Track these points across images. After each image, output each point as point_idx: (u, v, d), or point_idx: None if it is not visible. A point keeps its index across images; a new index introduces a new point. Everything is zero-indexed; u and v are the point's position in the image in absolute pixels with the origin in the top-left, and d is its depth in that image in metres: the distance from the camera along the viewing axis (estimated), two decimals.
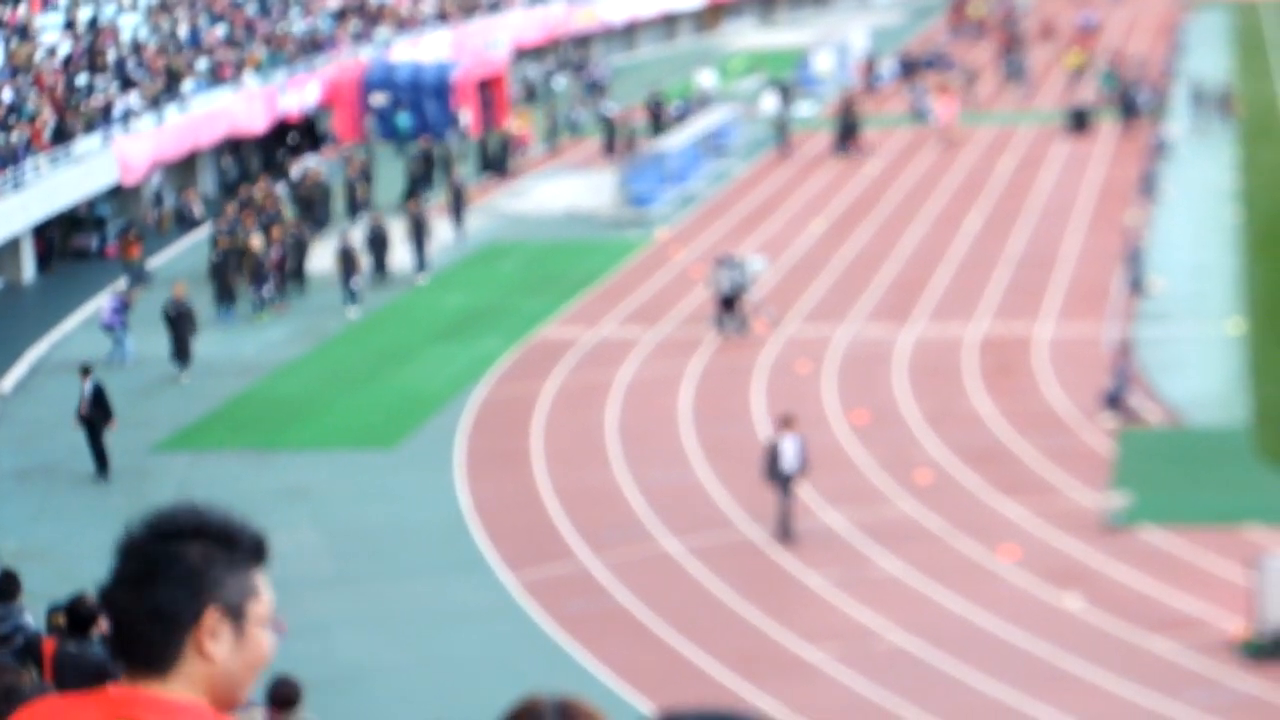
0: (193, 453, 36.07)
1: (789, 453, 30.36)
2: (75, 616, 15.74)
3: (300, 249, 48.03)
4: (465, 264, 51.10)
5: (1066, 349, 40.75)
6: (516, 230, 55.01)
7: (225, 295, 45.08)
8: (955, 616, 27.49)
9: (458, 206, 53.34)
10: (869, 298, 45.88)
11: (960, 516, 31.23)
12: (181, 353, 40.42)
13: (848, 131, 64.71)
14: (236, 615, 3.77)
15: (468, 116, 66.85)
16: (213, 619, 3.74)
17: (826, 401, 37.83)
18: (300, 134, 65.01)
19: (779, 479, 30.41)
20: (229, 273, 45.23)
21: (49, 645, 15.30)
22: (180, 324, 40.51)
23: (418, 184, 56.95)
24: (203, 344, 41.92)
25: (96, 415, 34.31)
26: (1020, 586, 28.46)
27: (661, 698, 24.89)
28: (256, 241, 45.50)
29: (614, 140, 65.20)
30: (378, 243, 48.31)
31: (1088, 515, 31.10)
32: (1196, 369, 38.84)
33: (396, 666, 26.65)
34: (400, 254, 49.39)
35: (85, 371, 34.79)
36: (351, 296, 45.45)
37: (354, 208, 54.55)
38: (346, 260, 45.54)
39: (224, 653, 3.75)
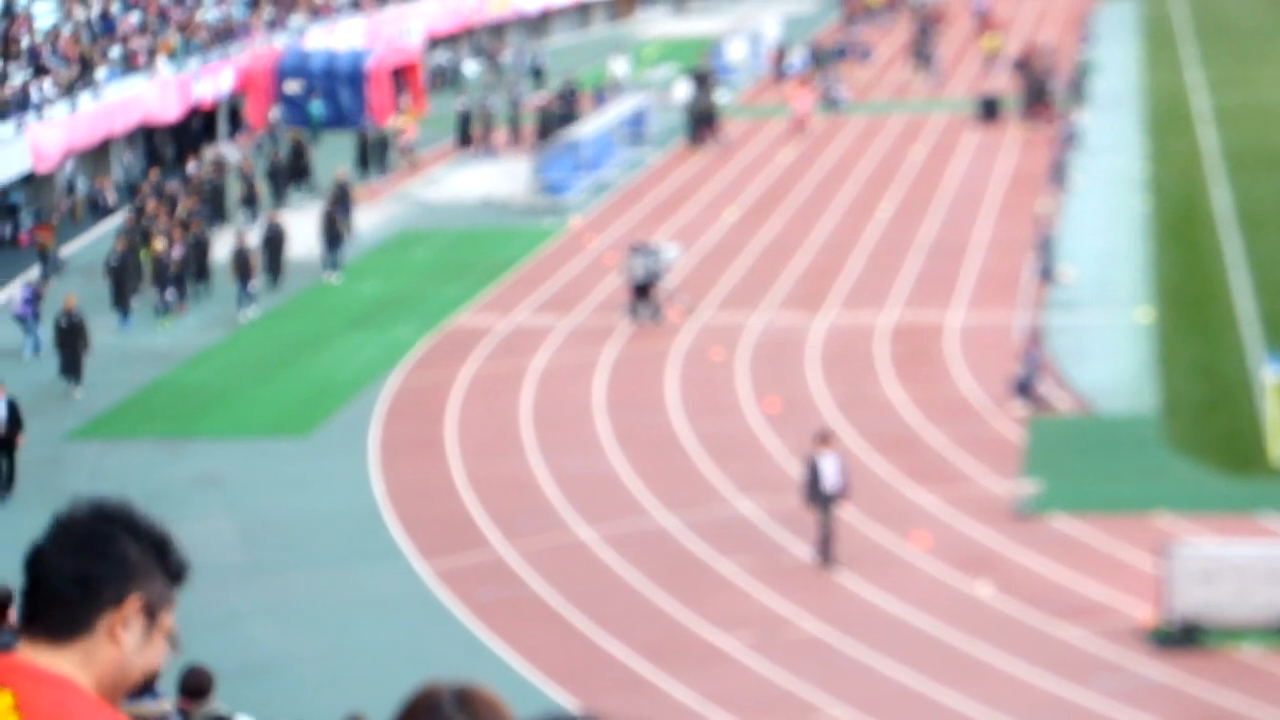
0: (105, 441, 35.94)
1: (829, 472, 28.81)
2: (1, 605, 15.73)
3: (201, 248, 46.36)
4: (379, 252, 51.03)
5: (977, 337, 41.07)
6: (430, 218, 54.98)
7: (124, 301, 43.17)
8: (867, 604, 27.71)
9: (344, 206, 50.68)
10: (782, 286, 46.09)
11: (872, 504, 31.44)
12: (72, 368, 38.32)
13: (704, 120, 64.91)
14: (151, 615, 3.89)
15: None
16: (133, 606, 3.84)
17: (740, 389, 38.02)
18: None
19: (819, 499, 28.82)
20: (128, 275, 43.34)
21: None
22: (71, 336, 38.26)
23: (283, 181, 55.79)
24: (111, 334, 41.77)
25: (10, 431, 32.92)
26: (931, 574, 28.71)
27: (575, 686, 25.01)
28: (160, 243, 44.19)
29: (518, 130, 65.28)
30: (273, 244, 46.70)
31: (998, 503, 31.40)
32: (1106, 357, 39.23)
33: (310, 656, 26.66)
34: (304, 249, 48.72)
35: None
36: (248, 299, 44.22)
37: (251, 204, 52.92)
38: (241, 262, 44.10)
39: (131, 644, 3.85)
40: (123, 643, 3.86)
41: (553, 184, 56.57)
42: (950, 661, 25.76)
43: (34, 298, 41.64)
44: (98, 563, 3.86)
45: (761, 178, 59.30)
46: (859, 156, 62.18)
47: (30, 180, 53.68)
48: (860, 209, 54.33)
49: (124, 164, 60.67)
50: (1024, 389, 36.10)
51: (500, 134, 65.61)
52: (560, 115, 65.60)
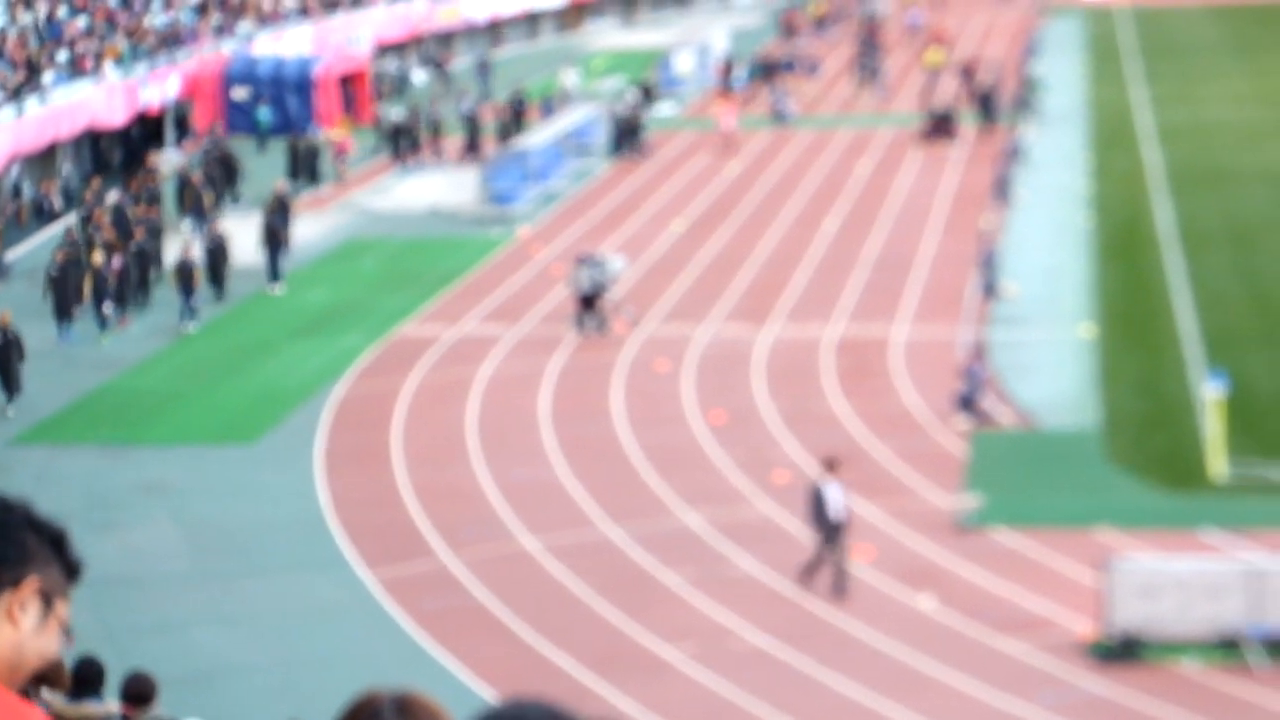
0: (50, 446, 35.86)
1: (835, 499, 28.24)
2: None
3: (144, 259, 45.86)
4: (326, 260, 51.02)
5: (921, 351, 41.29)
6: (377, 227, 55.00)
7: (64, 313, 42.56)
8: (811, 616, 27.85)
9: (284, 217, 49.60)
10: (728, 298, 46.25)
11: None
12: (9, 384, 37.57)
13: (630, 133, 65.14)
14: (48, 601, 3.94)
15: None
16: (30, 589, 3.89)
17: (685, 401, 38.15)
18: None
19: (825, 527, 28.25)
20: (68, 288, 42.63)
21: None
22: (7, 352, 37.65)
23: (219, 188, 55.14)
24: (53, 343, 41.70)
25: None
26: (874, 586, 28.87)
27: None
28: (98, 256, 43.55)
29: (475, 138, 65.08)
30: (216, 255, 46.15)
31: (941, 516, 31.58)
32: (1049, 372, 39.48)
33: (254, 664, 26.67)
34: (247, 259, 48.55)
35: None
36: (191, 313, 43.65)
37: (198, 214, 52.23)
38: (185, 274, 43.55)
39: (27, 626, 3.89)
40: (20, 624, 3.88)
41: (500, 194, 56.63)
42: (893, 674, 25.92)
43: None
44: None
45: (708, 191, 59.48)
46: (805, 170, 62.42)
47: None
48: (806, 223, 54.54)
49: (70, 169, 60.47)
50: (967, 403, 36.32)
51: (447, 142, 65.49)
52: (507, 125, 65.74)
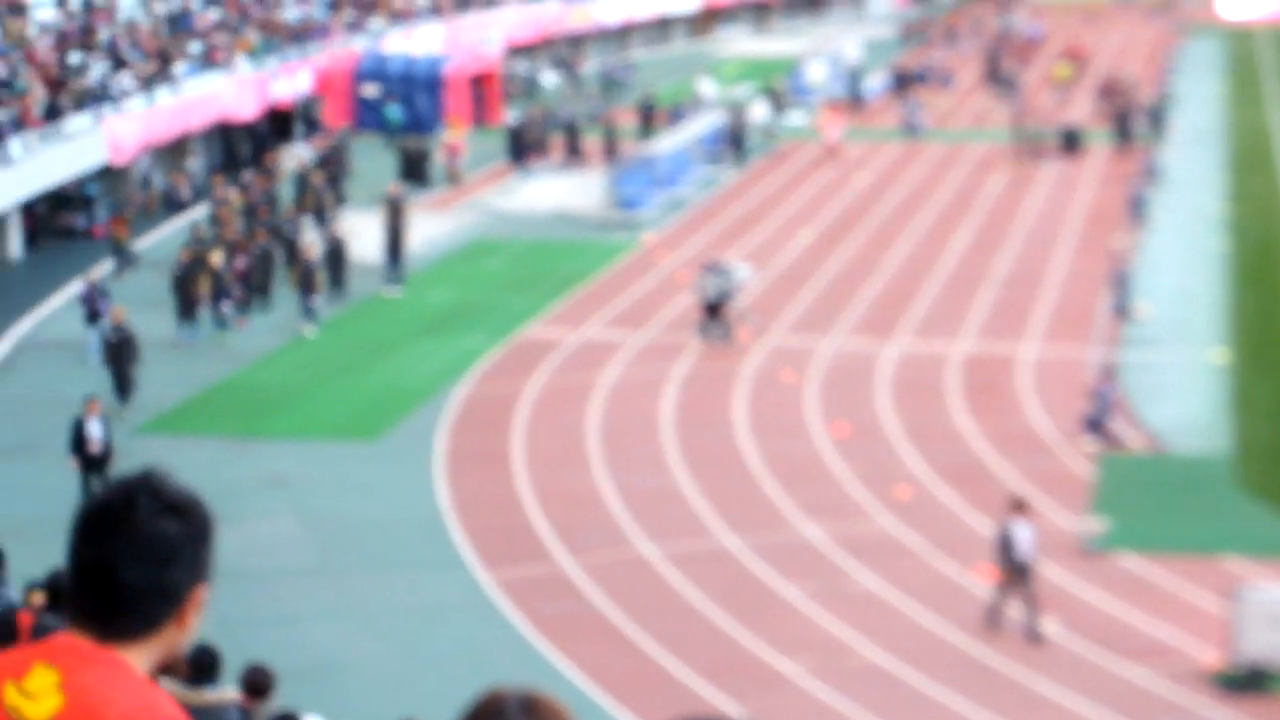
0: (173, 437, 35.97)
1: (1023, 539, 27.41)
2: (56, 592, 15.73)
3: (267, 261, 45.57)
4: (450, 260, 51.03)
5: (1050, 371, 40.76)
6: (504, 228, 54.96)
7: (187, 311, 42.26)
8: (930, 634, 27.48)
9: (400, 221, 48.59)
10: (854, 310, 45.88)
11: (938, 534, 31.23)
12: (122, 385, 37.03)
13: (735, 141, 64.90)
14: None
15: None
16: (203, 594, 4.03)
17: (808, 412, 37.82)
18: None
19: (1012, 567, 27.41)
20: (190, 287, 42.34)
21: (25, 619, 15.27)
22: (121, 352, 37.08)
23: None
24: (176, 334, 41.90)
25: (106, 450, 31.85)
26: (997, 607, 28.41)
27: (633, 702, 24.87)
28: (216, 257, 43.30)
29: (613, 141, 64.80)
30: (335, 257, 45.92)
31: (1066, 539, 31.10)
32: (1179, 396, 38.88)
33: (369, 659, 26.59)
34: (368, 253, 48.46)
35: (92, 404, 32.18)
36: (309, 314, 43.26)
37: (318, 214, 51.65)
38: (305, 276, 43.31)
39: (193, 625, 4.04)
40: (189, 627, 4.03)
41: (627, 199, 56.48)
42: (1012, 695, 25.51)
43: (91, 295, 41.22)
44: (173, 569, 4.00)
45: (837, 201, 59.10)
46: (936, 184, 61.90)
47: (107, 173, 53.92)
48: (936, 237, 54.06)
49: (200, 161, 60.87)
50: (1095, 425, 35.79)
51: (588, 144, 65.22)
52: (641, 129, 65.57)
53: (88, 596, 4.02)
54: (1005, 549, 27.47)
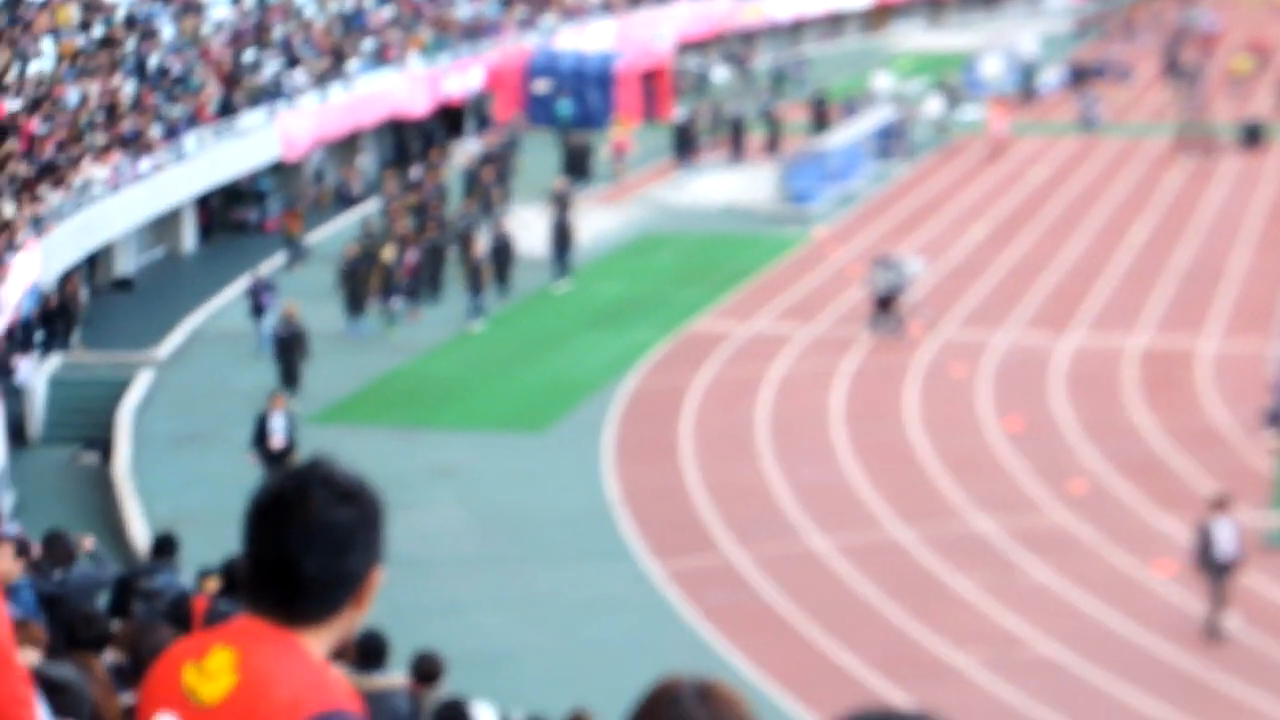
0: (344, 427, 36.09)
1: (1224, 538, 26.49)
2: (230, 578, 15.74)
3: (437, 256, 45.54)
4: (619, 253, 50.92)
5: (1231, 365, 39.92)
6: (675, 222, 54.76)
7: (355, 305, 42.26)
8: (1105, 628, 26.93)
9: (566, 217, 47.96)
10: (1028, 305, 45.22)
11: (1114, 528, 30.64)
12: (290, 379, 37.05)
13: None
14: None
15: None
16: (378, 575, 4.13)
17: (980, 407, 37.29)
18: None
19: (1213, 567, 26.53)
20: (358, 282, 42.34)
21: (200, 604, 15.30)
22: (291, 347, 37.26)
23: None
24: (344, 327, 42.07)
25: (290, 444, 31.71)
26: (1174, 603, 27.84)
27: (803, 694, 24.57)
28: (388, 252, 43.30)
29: (776, 136, 64.42)
30: (502, 254, 45.46)
31: (1247, 534, 30.35)
32: None
33: (537, 649, 26.50)
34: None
35: (276, 399, 32.45)
36: (477, 311, 43.11)
37: (485, 210, 51.14)
38: (473, 273, 43.20)
39: (369, 604, 4.15)
40: (366, 607, 4.13)
41: (798, 193, 56.11)
42: (1190, 691, 24.94)
43: (257, 290, 41.37)
44: (350, 556, 4.07)
45: (1011, 196, 58.36)
46: (1113, 178, 60.96)
47: (279, 168, 54.38)
48: (1112, 231, 53.19)
49: (371, 157, 61.25)
50: (1277, 420, 34.97)
51: (752, 140, 64.89)
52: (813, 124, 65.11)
53: (268, 586, 4.09)
54: (1204, 547, 26.55)
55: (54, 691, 8.12)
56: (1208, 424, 36.13)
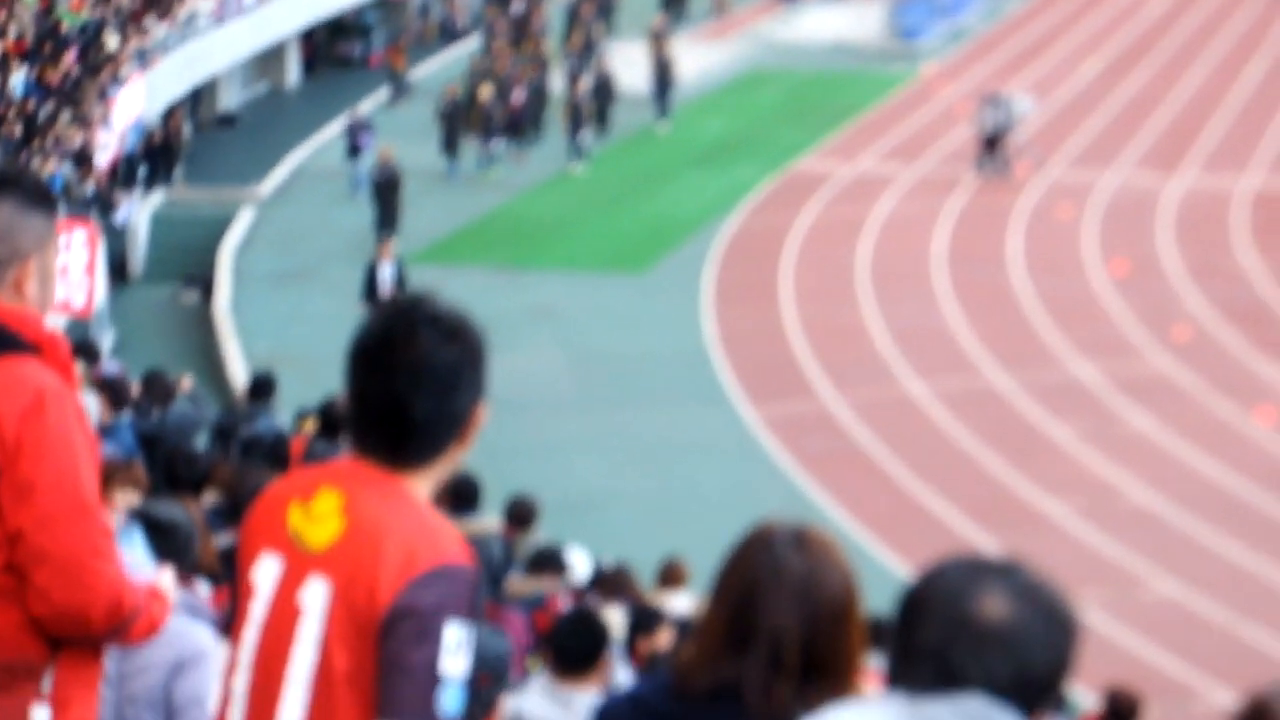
0: (443, 267, 36.03)
1: None
2: (328, 420, 15.76)
3: (540, 96, 44.90)
4: (725, 90, 50.45)
5: None
6: (780, 59, 54.16)
7: (451, 146, 41.52)
8: (1204, 478, 26.67)
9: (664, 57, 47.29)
10: (1139, 144, 44.52)
11: (1217, 375, 30.26)
12: (388, 221, 36.35)
13: None
14: None
15: None
16: (482, 412, 4.11)
17: (1085, 250, 36.84)
18: None
19: None
20: (457, 123, 41.62)
21: (297, 445, 15.36)
22: (387, 191, 36.65)
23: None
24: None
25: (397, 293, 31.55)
26: (1275, 453, 27.51)
27: (896, 541, 24.49)
28: (486, 92, 42.61)
29: None
30: (603, 93, 44.74)
31: None
32: None
33: (632, 493, 26.53)
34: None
35: (384, 247, 32.10)
36: (578, 152, 42.53)
37: (586, 47, 50.01)
38: (574, 113, 42.49)
39: (473, 440, 4.13)
40: (470, 443, 4.11)
41: (908, 28, 55.35)
42: None
43: (354, 130, 41.04)
44: (458, 395, 4.04)
45: (1126, 30, 57.32)
46: (1233, 10, 59.71)
47: (384, 2, 54.14)
48: (1229, 67, 52.18)
49: None
50: None
51: None
52: None
53: (375, 427, 4.05)
54: None
55: (160, 532, 8.08)
56: None
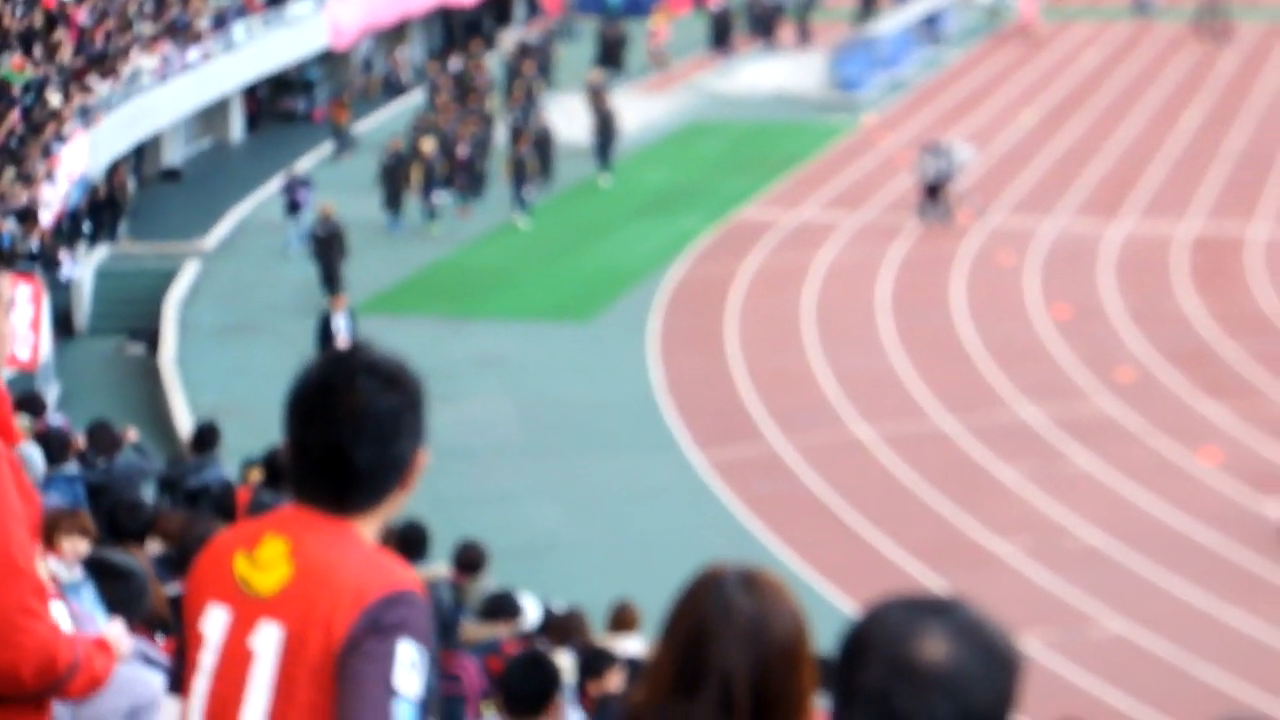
0: (389, 317, 36.08)
1: None
2: (273, 469, 15.76)
3: (483, 149, 44.60)
4: (667, 141, 50.67)
5: None
6: (721, 110, 54.45)
7: (394, 201, 41.49)
8: (1151, 517, 26.86)
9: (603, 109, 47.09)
10: (1078, 191, 44.89)
11: (1161, 416, 30.50)
12: (330, 279, 36.17)
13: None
14: None
15: None
16: (424, 457, 4.14)
17: (1028, 294, 37.10)
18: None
19: None
20: (399, 177, 41.56)
21: (243, 495, 15.34)
22: (329, 246, 36.47)
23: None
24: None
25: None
26: (1220, 491, 27.74)
27: (846, 583, 24.58)
28: (429, 145, 42.33)
29: (806, 25, 63.50)
30: (543, 146, 44.48)
31: None
32: None
33: (582, 539, 26.56)
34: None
35: (338, 299, 32.39)
36: (521, 205, 42.38)
37: (528, 101, 49.65)
38: (518, 168, 42.31)
39: (415, 485, 4.17)
40: (412, 489, 4.13)
41: (847, 80, 55.72)
42: (1234, 579, 24.87)
43: (292, 187, 40.90)
44: (399, 442, 4.07)
45: (1062, 81, 57.82)
46: (1166, 64, 60.33)
47: (327, 57, 54.22)
48: (1164, 117, 52.69)
49: (420, 46, 60.98)
50: None
51: (786, 29, 64.21)
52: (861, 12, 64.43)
53: (317, 476, 4.09)
54: None
55: (114, 579, 8.05)
56: (1258, 310, 35.90)
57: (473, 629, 14.32)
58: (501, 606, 14.32)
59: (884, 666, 3.22)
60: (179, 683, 4.23)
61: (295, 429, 4.11)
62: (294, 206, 40.44)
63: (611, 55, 58.44)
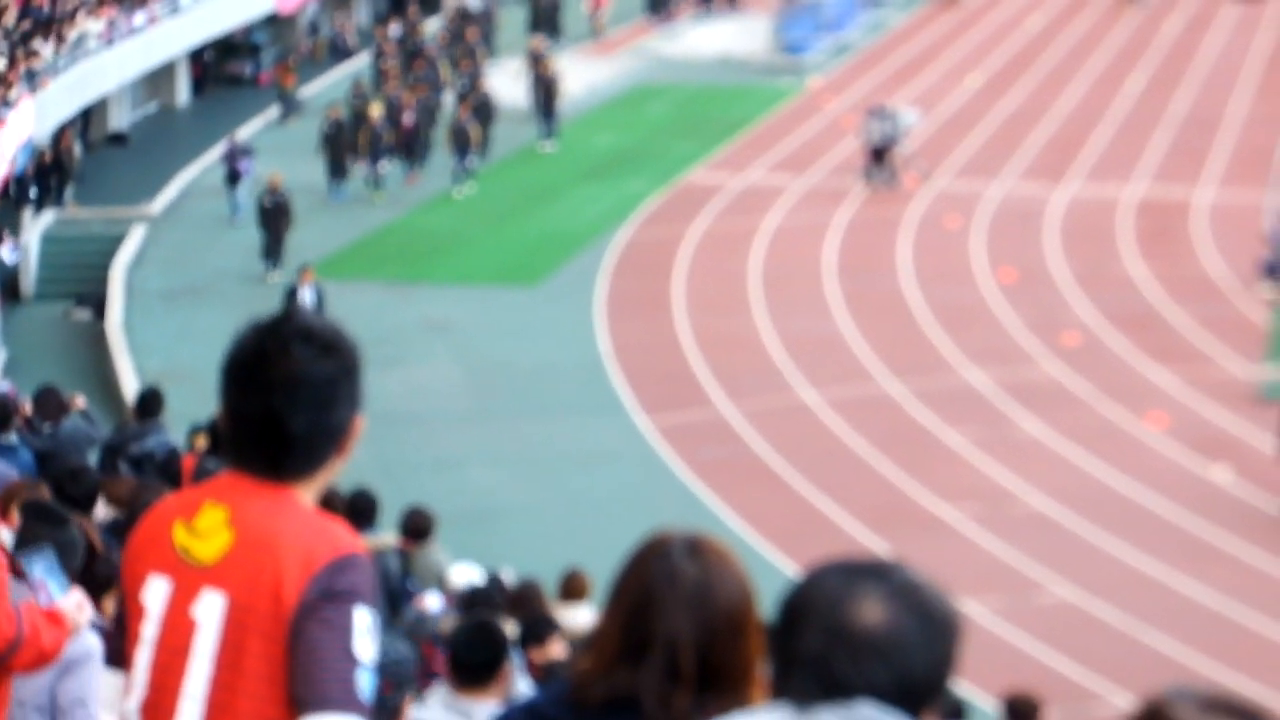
0: (336, 282, 35.85)
1: None
2: (218, 436, 15.67)
3: (429, 116, 44.10)
4: (614, 105, 50.58)
5: (1227, 215, 39.78)
6: (667, 73, 54.35)
7: (338, 170, 40.87)
8: (1097, 482, 26.99)
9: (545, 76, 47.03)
10: (1023, 155, 44.99)
11: (1107, 381, 30.63)
12: (273, 250, 36.04)
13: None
14: None
15: None
16: (360, 423, 4.09)
17: (974, 258, 37.20)
18: None
19: None
20: (341, 145, 40.94)
21: (188, 462, 15.26)
22: (275, 217, 36.12)
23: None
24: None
25: None
26: (1167, 455, 27.89)
27: (793, 548, 24.63)
28: (375, 111, 41.89)
29: None
30: (483, 114, 43.89)
31: (1239, 386, 30.39)
32: None
33: (529, 504, 26.56)
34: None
35: (306, 272, 32.03)
36: (464, 174, 41.95)
37: (472, 73, 48.57)
38: (459, 136, 41.89)
39: (352, 451, 4.12)
40: (349, 454, 4.09)
41: (793, 43, 55.66)
42: (1181, 545, 25.02)
43: (232, 155, 40.36)
44: (335, 409, 4.04)
45: (1007, 45, 57.89)
46: (1111, 27, 60.43)
47: (273, 21, 53.89)
48: (1109, 80, 52.80)
49: (366, 8, 60.66)
50: (1273, 271, 34.90)
51: None
52: None
53: (253, 443, 4.05)
54: None
55: (51, 523, 7.90)
56: (1203, 274, 36.06)
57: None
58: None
59: (821, 632, 3.20)
60: (120, 655, 4.19)
61: (231, 396, 4.06)
62: (234, 176, 39.90)
63: (548, 20, 58.03)
